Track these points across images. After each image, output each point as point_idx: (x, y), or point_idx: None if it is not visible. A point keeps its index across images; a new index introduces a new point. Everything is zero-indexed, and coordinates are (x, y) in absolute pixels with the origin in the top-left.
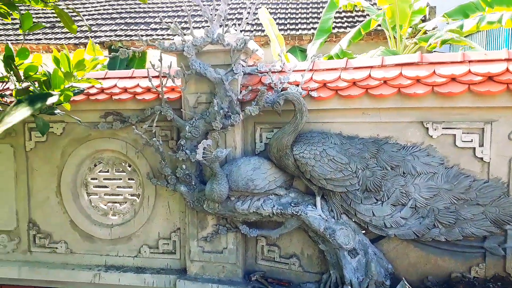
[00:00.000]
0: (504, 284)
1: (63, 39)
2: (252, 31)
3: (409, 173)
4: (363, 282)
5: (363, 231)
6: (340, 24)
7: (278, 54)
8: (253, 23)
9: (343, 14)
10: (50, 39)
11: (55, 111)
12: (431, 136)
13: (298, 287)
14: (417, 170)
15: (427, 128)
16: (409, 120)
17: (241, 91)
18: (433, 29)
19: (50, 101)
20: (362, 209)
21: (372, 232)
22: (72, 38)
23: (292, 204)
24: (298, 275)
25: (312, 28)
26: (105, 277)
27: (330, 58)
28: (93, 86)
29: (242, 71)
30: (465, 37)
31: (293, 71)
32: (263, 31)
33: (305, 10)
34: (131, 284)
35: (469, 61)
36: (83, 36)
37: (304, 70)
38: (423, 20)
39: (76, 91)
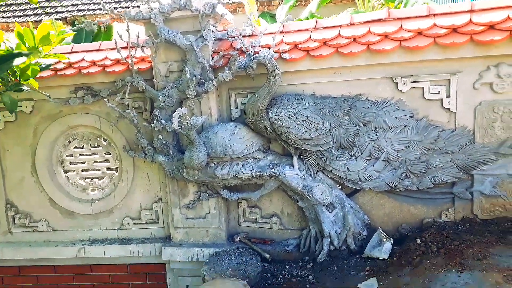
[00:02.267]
0: (472, 224)
1: (22, 17)
2: None
3: (381, 127)
4: (341, 234)
5: (339, 186)
6: None
7: (248, 18)
8: None
9: None
10: (8, 17)
11: (23, 88)
12: (401, 91)
13: (280, 244)
14: (388, 124)
15: (397, 83)
16: (379, 76)
17: (212, 57)
18: None
19: (18, 61)
20: (337, 166)
21: (348, 186)
22: (32, 15)
23: (270, 166)
24: (279, 233)
25: None
26: (90, 251)
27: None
28: (60, 61)
29: (213, 37)
30: None
31: (263, 34)
32: None
33: None
34: (117, 255)
35: (434, 15)
36: (43, 12)
37: (275, 32)
38: None
39: (42, 65)
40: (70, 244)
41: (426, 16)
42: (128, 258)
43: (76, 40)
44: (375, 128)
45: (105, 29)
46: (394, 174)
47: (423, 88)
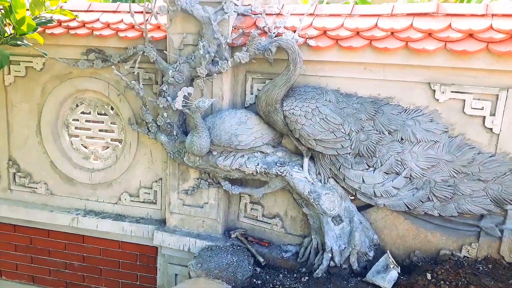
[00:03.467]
0: (496, 267)
1: None
2: None
3: (408, 139)
4: (345, 251)
5: (351, 198)
6: None
7: None
8: None
9: None
10: None
11: (19, 42)
12: (437, 100)
13: (278, 248)
14: (417, 137)
15: (434, 91)
16: (415, 80)
17: (232, 35)
18: None
19: None
20: (351, 175)
21: (360, 199)
22: None
23: (277, 164)
24: (279, 236)
25: None
26: (83, 222)
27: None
28: (73, 19)
29: (234, 11)
30: None
31: (291, 14)
32: None
33: None
34: (109, 231)
35: (492, 15)
36: None
37: (303, 14)
38: None
39: (41, 21)
40: (65, 212)
41: (482, 15)
42: (121, 235)
43: None
44: (401, 139)
45: None
46: (415, 194)
47: (464, 100)
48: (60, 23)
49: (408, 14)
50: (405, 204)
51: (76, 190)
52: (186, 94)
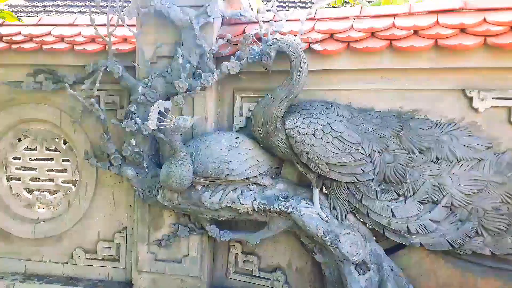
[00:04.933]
0: None
1: None
2: None
3: (445, 158)
4: None
5: (376, 238)
6: None
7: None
8: None
9: None
10: None
11: None
12: (476, 110)
13: None
14: (456, 155)
15: (471, 98)
16: (446, 87)
17: (217, 42)
18: None
19: None
20: (377, 207)
21: (390, 239)
22: None
23: (280, 198)
24: None
25: None
26: None
27: None
28: (15, 25)
29: (220, 15)
30: None
31: (287, 20)
32: None
33: None
34: None
35: None
36: None
37: (302, 18)
38: None
39: None
40: None
41: None
42: None
43: None
44: (437, 158)
45: None
46: (460, 228)
47: (510, 108)
48: (1, 37)
49: (430, 12)
50: (448, 242)
51: (13, 248)
52: (162, 110)
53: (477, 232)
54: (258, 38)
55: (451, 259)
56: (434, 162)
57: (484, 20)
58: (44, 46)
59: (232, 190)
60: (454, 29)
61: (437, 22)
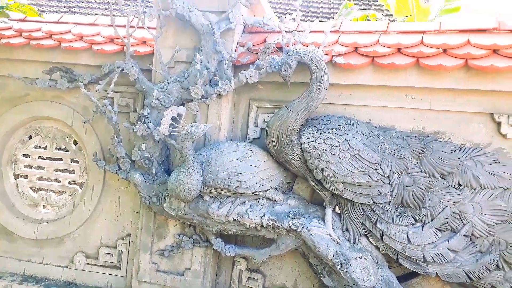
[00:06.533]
0: None
1: None
2: None
3: (468, 185)
4: None
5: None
6: None
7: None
8: None
9: None
10: None
11: None
12: (504, 136)
13: None
14: (480, 182)
15: (499, 123)
16: (473, 109)
17: (237, 50)
18: None
19: None
20: (392, 232)
21: (403, 266)
22: None
23: (290, 215)
24: None
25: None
26: None
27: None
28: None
29: (242, 22)
30: None
31: (310, 31)
32: None
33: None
34: None
35: None
36: None
37: (326, 30)
38: None
39: None
40: None
41: None
42: None
43: None
44: (459, 184)
45: None
46: (480, 259)
47: None
48: (20, 32)
49: (461, 31)
50: (466, 273)
51: (14, 248)
52: (176, 116)
53: (497, 266)
54: (280, 48)
55: None
56: (456, 188)
57: None
58: (63, 44)
59: (241, 203)
60: (487, 50)
61: (468, 41)
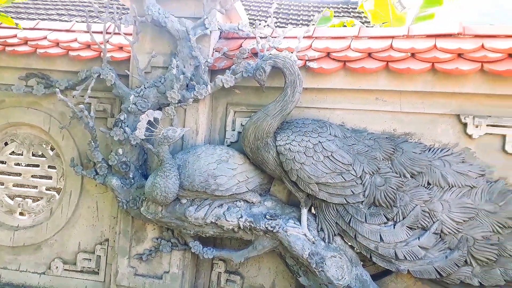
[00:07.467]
0: None
1: None
2: None
3: (437, 184)
4: None
5: (363, 263)
6: None
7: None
8: None
9: None
10: None
11: None
12: (470, 136)
13: None
14: (448, 181)
15: (465, 124)
16: (441, 111)
17: (213, 55)
18: None
19: None
20: (365, 231)
21: (377, 264)
22: None
23: (267, 217)
24: None
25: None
26: None
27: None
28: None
29: (218, 28)
30: None
31: (284, 37)
32: None
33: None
34: None
35: None
36: None
37: (300, 36)
38: None
39: None
40: None
41: None
42: None
43: None
44: (428, 183)
45: None
46: (449, 256)
47: (504, 136)
48: None
49: (428, 36)
50: (436, 270)
51: None
52: (152, 120)
53: (466, 262)
54: (255, 53)
55: None
56: (426, 187)
57: (482, 46)
58: (39, 50)
59: (218, 206)
60: (452, 54)
61: (435, 46)
